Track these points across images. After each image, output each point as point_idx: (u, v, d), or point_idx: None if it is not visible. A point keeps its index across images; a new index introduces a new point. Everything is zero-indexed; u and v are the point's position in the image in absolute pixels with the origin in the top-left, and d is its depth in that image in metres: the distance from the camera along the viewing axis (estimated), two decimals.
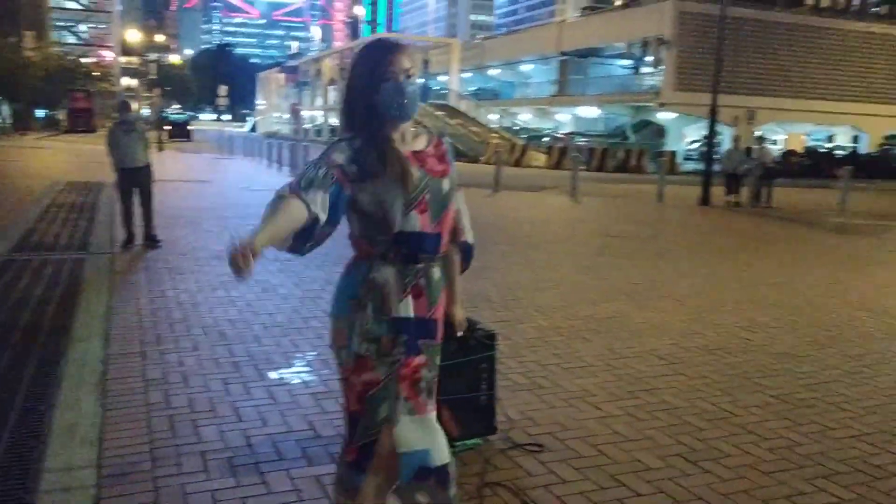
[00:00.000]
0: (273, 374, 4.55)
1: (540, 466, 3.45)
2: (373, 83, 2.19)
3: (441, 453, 2.32)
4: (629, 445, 3.71)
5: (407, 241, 2.24)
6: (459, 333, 2.63)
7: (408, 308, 2.27)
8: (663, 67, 37.30)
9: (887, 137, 43.01)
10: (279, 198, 2.09)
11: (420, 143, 2.33)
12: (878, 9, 45.88)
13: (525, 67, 53.72)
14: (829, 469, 3.53)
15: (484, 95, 56.55)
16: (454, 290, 2.52)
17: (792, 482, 3.38)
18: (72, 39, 71.97)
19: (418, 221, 2.23)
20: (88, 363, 4.58)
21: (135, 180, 8.88)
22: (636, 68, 41.66)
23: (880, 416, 4.23)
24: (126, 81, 75.53)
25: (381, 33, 71.28)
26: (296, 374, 4.59)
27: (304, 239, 2.12)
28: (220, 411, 3.95)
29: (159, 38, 47.25)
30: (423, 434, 2.30)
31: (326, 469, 3.33)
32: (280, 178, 20.76)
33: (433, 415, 2.36)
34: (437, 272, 2.34)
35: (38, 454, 3.36)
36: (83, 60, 61.44)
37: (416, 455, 2.29)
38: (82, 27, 73.78)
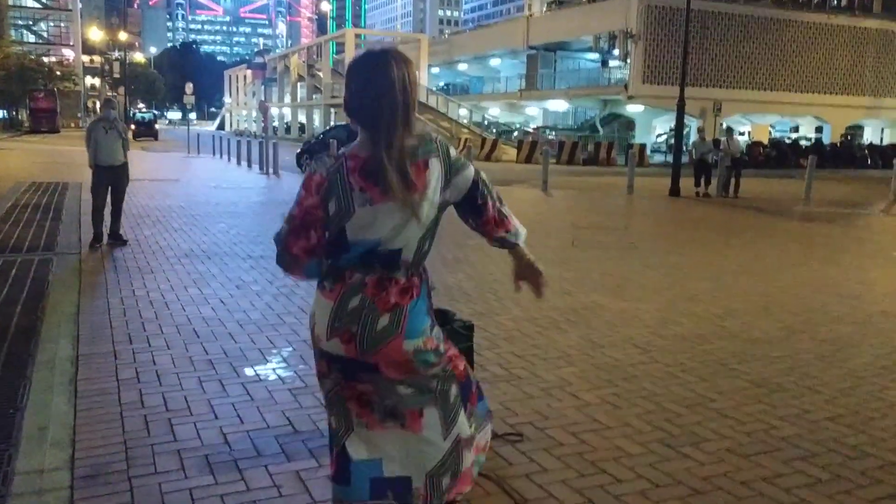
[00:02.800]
0: (249, 371, 4.49)
1: (521, 456, 3.45)
2: None
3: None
4: (609, 433, 3.72)
5: None
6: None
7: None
8: (630, 61, 37.59)
9: (849, 127, 43.84)
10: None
11: None
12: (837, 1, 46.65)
13: (494, 62, 53.81)
14: (805, 451, 3.56)
15: (453, 90, 56.56)
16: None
17: (770, 464, 3.41)
18: (31, 38, 70.64)
19: None
20: (58, 364, 4.48)
21: (111, 178, 8.78)
22: (604, 62, 41.91)
23: (854, 399, 4.29)
24: (89, 80, 74.29)
25: (349, 29, 70.92)
26: (272, 370, 4.53)
27: None
28: (196, 409, 3.89)
29: (122, 36, 46.39)
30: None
31: (306, 464, 3.29)
32: (250, 176, 20.56)
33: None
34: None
35: (8, 457, 3.28)
36: (45, 59, 60.35)
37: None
38: (42, 25, 72.43)
